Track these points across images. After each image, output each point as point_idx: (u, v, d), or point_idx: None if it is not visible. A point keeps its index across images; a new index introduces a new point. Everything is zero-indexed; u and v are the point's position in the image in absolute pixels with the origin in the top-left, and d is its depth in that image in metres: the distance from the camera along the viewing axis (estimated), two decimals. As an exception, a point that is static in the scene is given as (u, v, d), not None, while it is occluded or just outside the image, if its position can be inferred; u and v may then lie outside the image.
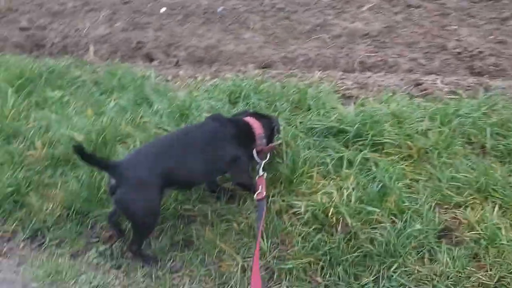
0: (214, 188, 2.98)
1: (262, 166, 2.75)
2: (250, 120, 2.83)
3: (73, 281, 2.61)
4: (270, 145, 2.86)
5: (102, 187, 2.98)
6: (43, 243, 2.93)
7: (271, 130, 2.89)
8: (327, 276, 2.48)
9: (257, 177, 2.70)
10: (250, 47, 5.14)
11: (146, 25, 5.90)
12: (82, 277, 2.62)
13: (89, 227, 2.98)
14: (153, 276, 2.61)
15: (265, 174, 2.74)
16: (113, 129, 3.37)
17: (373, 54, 4.72)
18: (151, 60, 5.30)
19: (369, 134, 3.08)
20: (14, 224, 3.05)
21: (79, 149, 2.35)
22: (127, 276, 2.64)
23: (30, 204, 3.08)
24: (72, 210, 3.01)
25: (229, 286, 2.52)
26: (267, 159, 2.82)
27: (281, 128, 3.09)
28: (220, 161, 2.70)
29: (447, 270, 2.38)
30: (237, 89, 3.71)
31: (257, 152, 2.77)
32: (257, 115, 2.93)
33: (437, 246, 2.50)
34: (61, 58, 4.92)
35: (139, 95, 3.87)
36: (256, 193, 2.59)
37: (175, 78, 4.50)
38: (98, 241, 2.89)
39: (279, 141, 3.02)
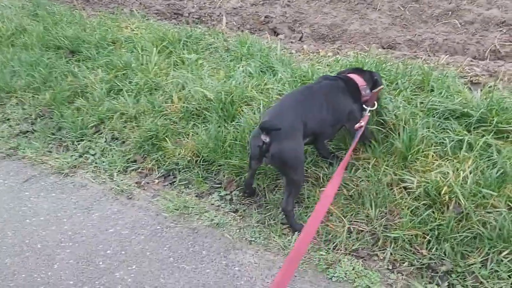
0: (327, 154, 3.14)
1: (368, 110, 2.95)
2: (353, 75, 3.05)
3: (197, 216, 2.98)
4: (373, 91, 3.02)
5: (228, 140, 3.30)
6: (174, 182, 3.35)
7: (373, 82, 3.07)
8: (433, 250, 2.53)
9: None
10: (374, 27, 5.14)
11: (274, 1, 6.16)
12: (205, 215, 2.98)
13: (213, 173, 3.35)
14: (266, 223, 2.87)
15: (369, 113, 2.94)
16: (240, 91, 3.66)
17: (507, 43, 4.45)
18: (277, 34, 5.55)
19: (494, 120, 3.00)
20: (151, 163, 3.51)
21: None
22: (243, 220, 2.93)
23: (165, 148, 3.52)
24: (200, 157, 3.39)
25: (334, 244, 2.68)
26: (374, 107, 3.00)
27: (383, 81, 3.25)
28: (341, 113, 2.91)
29: None
30: (358, 65, 3.78)
31: (364, 102, 2.98)
32: (359, 70, 3.16)
33: (556, 240, 2.41)
34: (196, 27, 5.36)
35: (264, 64, 4.12)
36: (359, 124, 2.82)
37: (298, 51, 4.69)
38: (220, 186, 3.24)
39: (381, 86, 3.13)
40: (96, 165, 3.61)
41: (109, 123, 3.92)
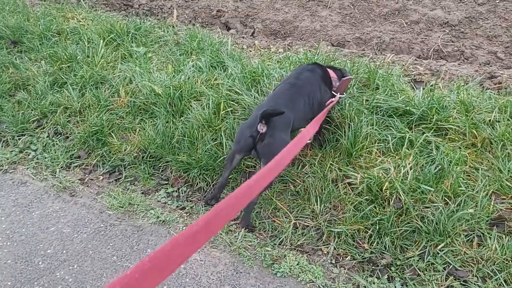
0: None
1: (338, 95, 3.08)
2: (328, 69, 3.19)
3: (143, 214, 2.92)
4: (343, 79, 3.15)
5: (176, 136, 3.26)
6: (119, 179, 3.27)
7: (342, 76, 3.21)
8: (374, 244, 2.61)
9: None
10: (325, 25, 5.21)
11: (227, -5, 6.12)
12: (151, 212, 2.93)
13: (160, 170, 3.29)
14: (213, 220, 2.86)
15: (338, 97, 3.06)
16: (189, 86, 3.62)
17: (450, 44, 4.64)
18: (229, 29, 5.52)
19: (434, 118, 3.12)
20: (96, 159, 3.41)
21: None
22: (190, 217, 2.91)
23: (111, 144, 3.43)
24: (147, 153, 3.33)
25: (280, 240, 2.71)
26: (344, 95, 3.17)
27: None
28: (319, 105, 2.97)
29: (495, 256, 2.43)
30: (308, 62, 3.82)
31: (335, 91, 3.11)
32: (331, 67, 3.29)
33: (488, 233, 2.54)
34: (146, 19, 5.24)
35: (215, 59, 4.09)
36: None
37: (250, 47, 4.69)
38: (167, 183, 3.19)
39: (351, 76, 3.31)
40: (37, 161, 3.47)
41: (52, 117, 3.78)
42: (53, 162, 3.42)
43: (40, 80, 4.07)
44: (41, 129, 3.76)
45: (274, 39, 5.14)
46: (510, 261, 2.40)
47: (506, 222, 2.60)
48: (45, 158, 3.48)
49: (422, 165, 2.89)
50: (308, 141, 3.10)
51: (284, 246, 2.68)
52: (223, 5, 5.88)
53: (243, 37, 5.05)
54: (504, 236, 2.51)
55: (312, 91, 2.91)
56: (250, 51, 4.60)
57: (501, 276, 2.34)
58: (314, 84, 2.97)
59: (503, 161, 2.88)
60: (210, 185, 3.09)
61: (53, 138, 3.65)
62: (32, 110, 3.87)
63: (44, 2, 5.91)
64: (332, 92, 3.09)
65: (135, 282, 0.81)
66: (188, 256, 0.97)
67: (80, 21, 5.06)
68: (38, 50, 4.58)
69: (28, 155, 3.53)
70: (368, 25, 5.16)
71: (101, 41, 4.40)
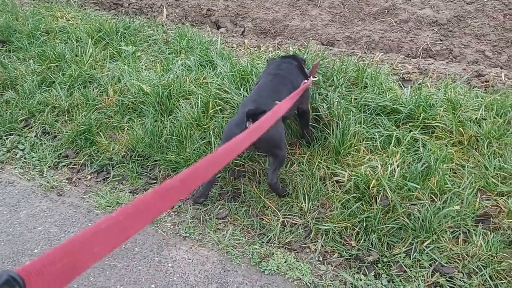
0: None
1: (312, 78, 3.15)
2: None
3: (131, 213, 2.91)
4: (314, 63, 3.27)
5: (164, 135, 3.25)
6: (107, 178, 3.26)
7: (304, 62, 3.35)
8: (361, 241, 2.62)
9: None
10: (315, 24, 5.22)
11: (217, -6, 6.12)
12: (139, 211, 2.91)
13: (148, 169, 3.28)
14: (201, 218, 2.86)
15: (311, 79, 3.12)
16: (178, 85, 3.61)
17: (438, 42, 4.67)
18: (219, 27, 5.51)
19: (421, 116, 3.14)
20: (84, 158, 3.40)
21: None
22: (178, 216, 2.90)
23: (99, 143, 3.42)
24: (135, 152, 3.32)
25: (268, 238, 2.71)
26: (316, 78, 3.27)
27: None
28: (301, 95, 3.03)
29: (480, 252, 2.45)
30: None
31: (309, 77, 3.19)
32: (289, 56, 3.34)
33: (473, 229, 2.57)
34: (136, 18, 5.22)
35: (204, 58, 4.09)
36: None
37: (239, 46, 4.69)
38: (156, 182, 3.18)
39: (318, 60, 3.50)
40: (25, 160, 3.45)
41: (40, 116, 3.76)
42: (40, 162, 3.40)
43: (28, 79, 4.05)
44: (29, 128, 3.74)
45: (264, 38, 5.14)
46: (495, 257, 2.42)
47: (491, 219, 2.62)
48: (33, 157, 3.46)
49: (409, 163, 2.91)
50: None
51: (272, 244, 2.68)
52: (213, 4, 5.88)
53: (233, 36, 5.05)
54: (489, 232, 2.53)
55: (294, 80, 2.99)
56: (240, 50, 4.60)
57: (486, 272, 2.36)
58: (293, 73, 3.06)
59: (489, 158, 2.90)
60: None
61: (41, 138, 3.63)
62: (20, 110, 3.85)
63: (33, 1, 5.87)
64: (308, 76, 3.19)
65: (119, 224, 0.87)
66: (167, 205, 1.03)
67: (69, 20, 5.04)
68: (26, 49, 4.55)
69: (16, 154, 3.51)
70: (358, 24, 5.18)
71: (90, 40, 4.38)
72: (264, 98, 2.74)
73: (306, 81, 2.99)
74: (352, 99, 3.41)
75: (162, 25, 4.95)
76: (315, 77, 3.25)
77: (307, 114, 3.17)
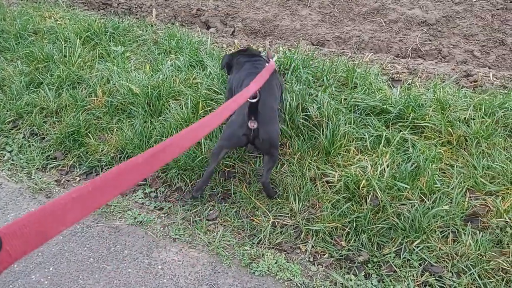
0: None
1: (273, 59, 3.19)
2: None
3: (120, 215, 2.89)
4: (268, 52, 3.36)
5: (154, 136, 3.23)
6: (96, 180, 3.23)
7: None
8: (351, 241, 2.62)
9: None
10: (305, 24, 5.23)
11: (207, -6, 6.10)
12: (128, 213, 2.90)
13: (138, 170, 3.25)
14: (191, 220, 2.84)
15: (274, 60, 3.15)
16: (168, 86, 3.59)
17: (427, 42, 4.70)
18: (209, 27, 5.49)
19: (410, 116, 3.16)
20: (73, 160, 3.36)
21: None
22: (168, 217, 2.89)
23: (88, 144, 3.38)
24: (124, 153, 3.29)
25: (258, 239, 2.71)
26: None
27: None
28: (280, 82, 3.14)
29: (469, 251, 2.46)
30: (287, 61, 3.83)
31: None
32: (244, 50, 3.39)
33: (462, 229, 2.58)
34: (125, 18, 5.19)
35: (194, 58, 4.07)
36: None
37: (229, 46, 4.68)
38: (145, 183, 3.16)
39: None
40: (12, 162, 3.41)
41: (28, 118, 3.71)
42: (28, 163, 3.37)
43: (16, 80, 4.00)
44: (16, 130, 3.70)
45: (254, 38, 5.14)
46: (483, 256, 2.44)
47: (480, 218, 2.64)
48: (21, 159, 3.41)
49: (399, 163, 2.92)
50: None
51: (263, 245, 2.68)
52: (203, 4, 5.86)
53: (223, 36, 5.04)
54: (478, 232, 2.55)
55: (275, 77, 3.02)
56: (230, 50, 4.58)
57: (475, 271, 2.37)
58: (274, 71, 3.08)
59: (477, 158, 2.92)
60: (188, 185, 3.07)
61: (29, 139, 3.59)
62: (7, 111, 3.80)
63: (21, 1, 5.81)
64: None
65: (88, 194, 0.91)
66: (136, 179, 1.07)
67: (57, 20, 4.99)
68: (14, 49, 4.50)
69: (3, 156, 3.47)
70: (348, 24, 5.20)
71: (78, 40, 4.34)
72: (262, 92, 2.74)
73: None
74: (342, 100, 3.41)
75: (152, 25, 4.92)
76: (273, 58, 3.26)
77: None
